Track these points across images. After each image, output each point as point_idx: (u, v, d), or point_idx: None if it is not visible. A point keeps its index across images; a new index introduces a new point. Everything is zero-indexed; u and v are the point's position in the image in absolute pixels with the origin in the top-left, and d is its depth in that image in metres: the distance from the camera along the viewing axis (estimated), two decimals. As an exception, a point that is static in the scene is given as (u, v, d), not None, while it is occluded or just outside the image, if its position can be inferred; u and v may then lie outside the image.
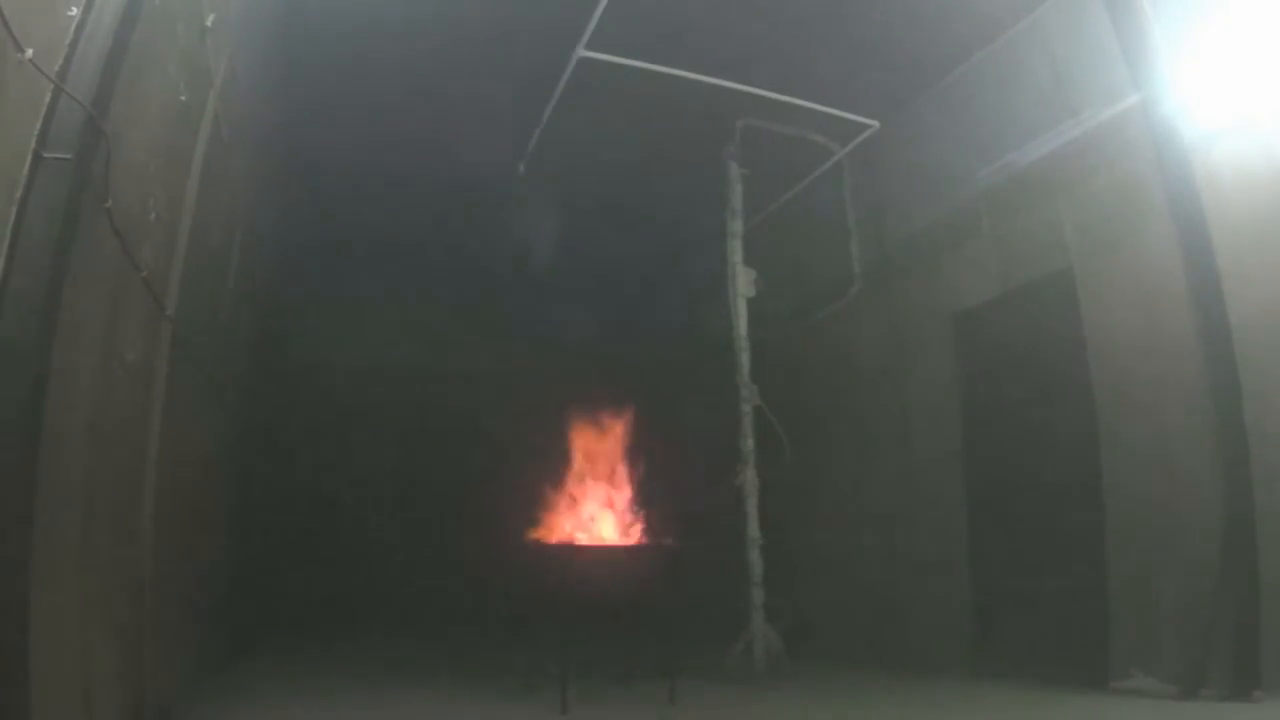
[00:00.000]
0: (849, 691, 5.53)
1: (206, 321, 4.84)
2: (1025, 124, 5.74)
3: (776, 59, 6.27)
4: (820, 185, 7.55)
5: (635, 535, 6.03)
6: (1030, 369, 5.77)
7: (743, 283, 6.81)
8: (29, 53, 2.10)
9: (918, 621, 6.39)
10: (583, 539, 6.01)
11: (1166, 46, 4.75)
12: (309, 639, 7.87)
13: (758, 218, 7.39)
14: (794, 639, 6.29)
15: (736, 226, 6.96)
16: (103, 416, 2.93)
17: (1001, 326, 6.04)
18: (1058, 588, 5.26)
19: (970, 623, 5.98)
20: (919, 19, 5.85)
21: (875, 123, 6.72)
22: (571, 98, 6.14)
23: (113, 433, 3.09)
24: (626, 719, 4.84)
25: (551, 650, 5.05)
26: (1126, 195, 5.07)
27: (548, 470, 6.60)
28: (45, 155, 2.26)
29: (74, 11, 2.40)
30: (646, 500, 6.27)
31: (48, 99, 2.28)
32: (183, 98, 3.61)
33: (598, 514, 6.22)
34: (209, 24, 3.79)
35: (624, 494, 6.30)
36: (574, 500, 6.31)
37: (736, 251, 6.90)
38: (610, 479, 6.37)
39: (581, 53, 5.60)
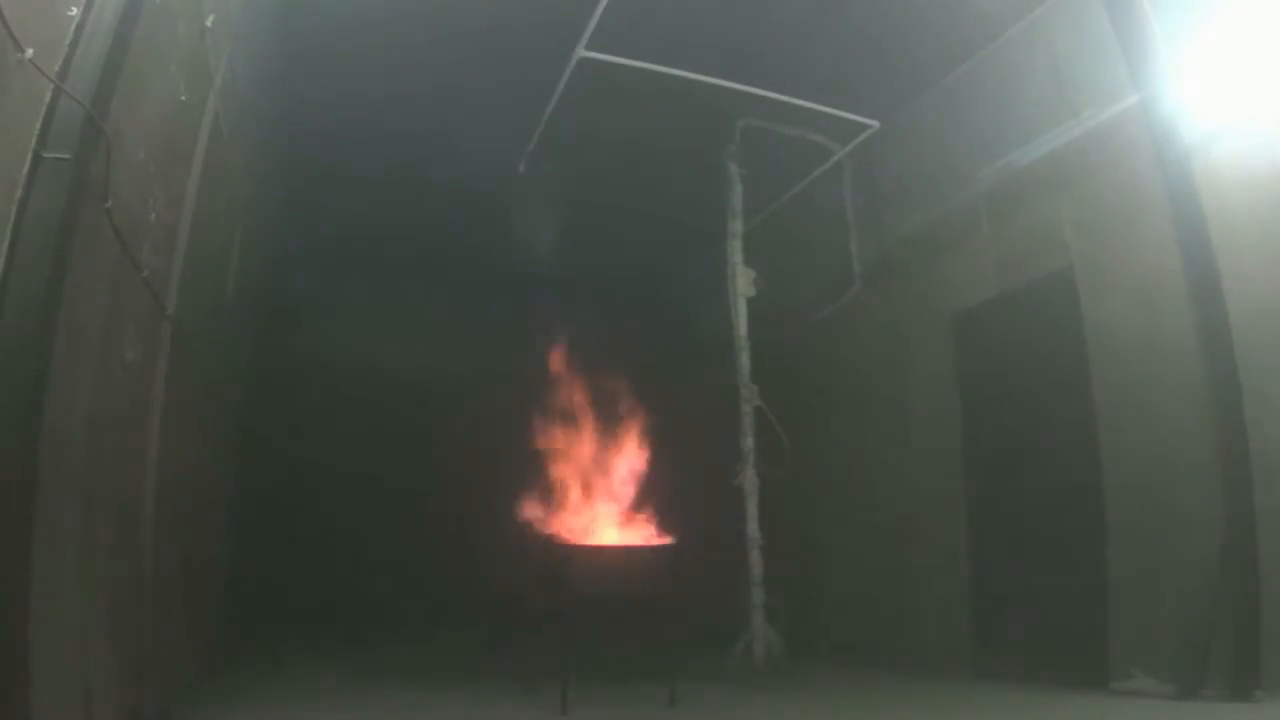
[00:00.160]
0: (849, 691, 5.53)
1: (206, 321, 4.84)
2: (1025, 124, 5.74)
3: (776, 59, 6.27)
4: (820, 185, 7.54)
5: (637, 535, 6.03)
6: (1030, 369, 5.76)
7: (743, 283, 6.82)
8: (29, 53, 2.10)
9: (918, 621, 6.38)
10: (584, 539, 6.01)
11: (1166, 46, 4.75)
12: (309, 639, 7.87)
13: (758, 218, 7.39)
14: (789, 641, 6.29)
15: (736, 226, 6.96)
16: (103, 416, 2.93)
17: (1001, 326, 6.03)
18: (1058, 588, 5.26)
19: (970, 623, 5.98)
20: (919, 19, 5.85)
21: (875, 123, 6.71)
22: (571, 98, 6.13)
23: (113, 433, 3.09)
24: (626, 719, 4.84)
25: (552, 651, 5.05)
26: (1126, 195, 5.07)
27: (548, 470, 6.61)
28: (45, 155, 2.26)
29: (74, 11, 2.40)
30: (648, 500, 6.27)
31: (48, 99, 2.28)
32: (183, 97, 3.61)
33: (598, 514, 6.22)
34: (209, 24, 3.79)
35: (624, 494, 6.30)
36: (575, 500, 6.31)
37: (736, 251, 6.90)
38: (611, 479, 6.38)
39: (581, 53, 5.59)
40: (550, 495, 6.36)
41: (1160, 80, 4.75)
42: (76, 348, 2.59)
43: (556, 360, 7.18)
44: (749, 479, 6.49)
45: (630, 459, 6.42)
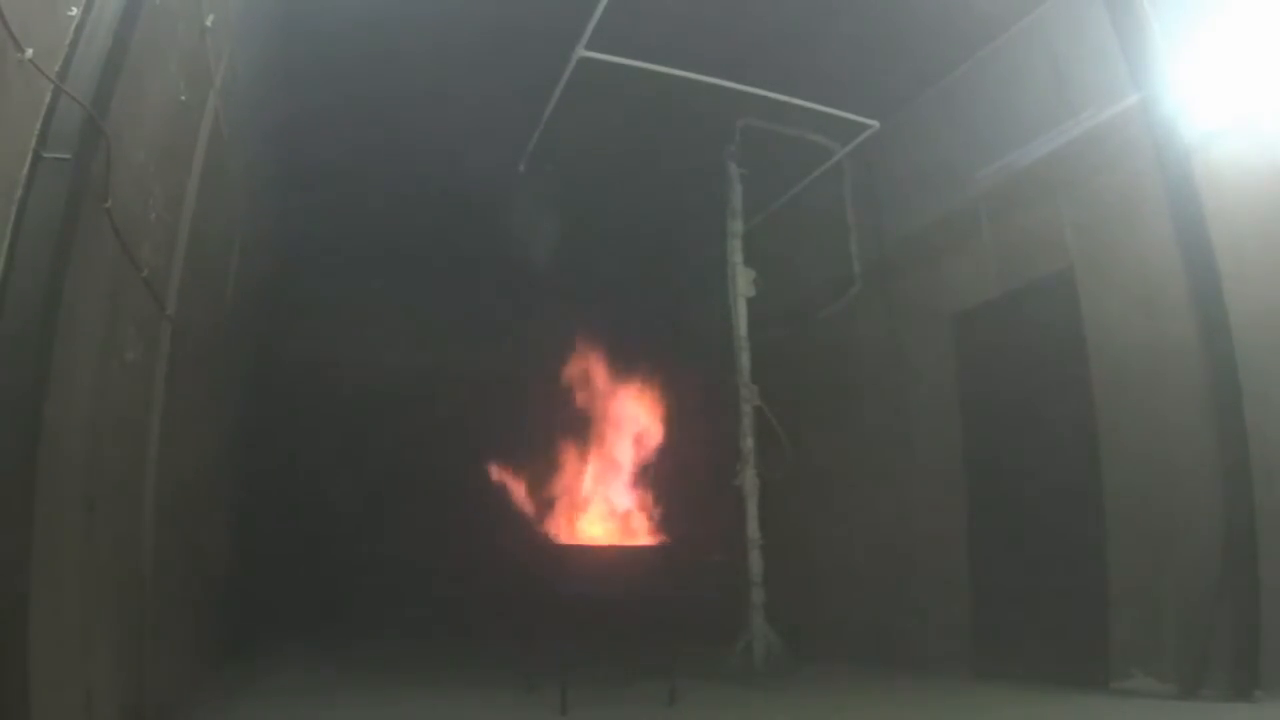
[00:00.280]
0: (849, 691, 5.53)
1: (206, 321, 4.84)
2: (1025, 124, 5.74)
3: (776, 59, 6.27)
4: (820, 185, 7.54)
5: (638, 535, 6.03)
6: (1030, 369, 5.76)
7: (743, 283, 6.81)
8: (29, 53, 2.10)
9: (918, 621, 6.38)
10: (585, 539, 6.02)
11: (1166, 46, 4.75)
12: (309, 638, 7.87)
13: (758, 218, 7.39)
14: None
15: (736, 226, 6.96)
16: (103, 416, 2.93)
17: (1001, 326, 6.03)
18: (1058, 588, 5.26)
19: (970, 623, 5.98)
20: (919, 19, 5.85)
21: (875, 123, 6.71)
22: (571, 98, 6.13)
23: (113, 432, 3.09)
24: (626, 719, 4.84)
25: (553, 650, 5.05)
26: (1126, 195, 5.07)
27: (548, 470, 6.61)
28: (45, 155, 2.26)
29: (74, 11, 2.40)
30: (648, 499, 6.27)
31: (48, 99, 2.28)
32: (183, 98, 3.61)
33: (599, 513, 6.22)
34: (209, 24, 3.79)
35: (625, 493, 6.30)
36: (576, 499, 6.31)
37: (736, 251, 6.89)
38: (611, 478, 6.38)
39: (581, 53, 5.59)
40: (550, 495, 6.36)
41: (1160, 80, 4.76)
42: (76, 348, 2.59)
43: (556, 359, 7.17)
44: (749, 479, 6.48)
45: (629, 459, 6.43)
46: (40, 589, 2.22)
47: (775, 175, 7.47)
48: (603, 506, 6.29)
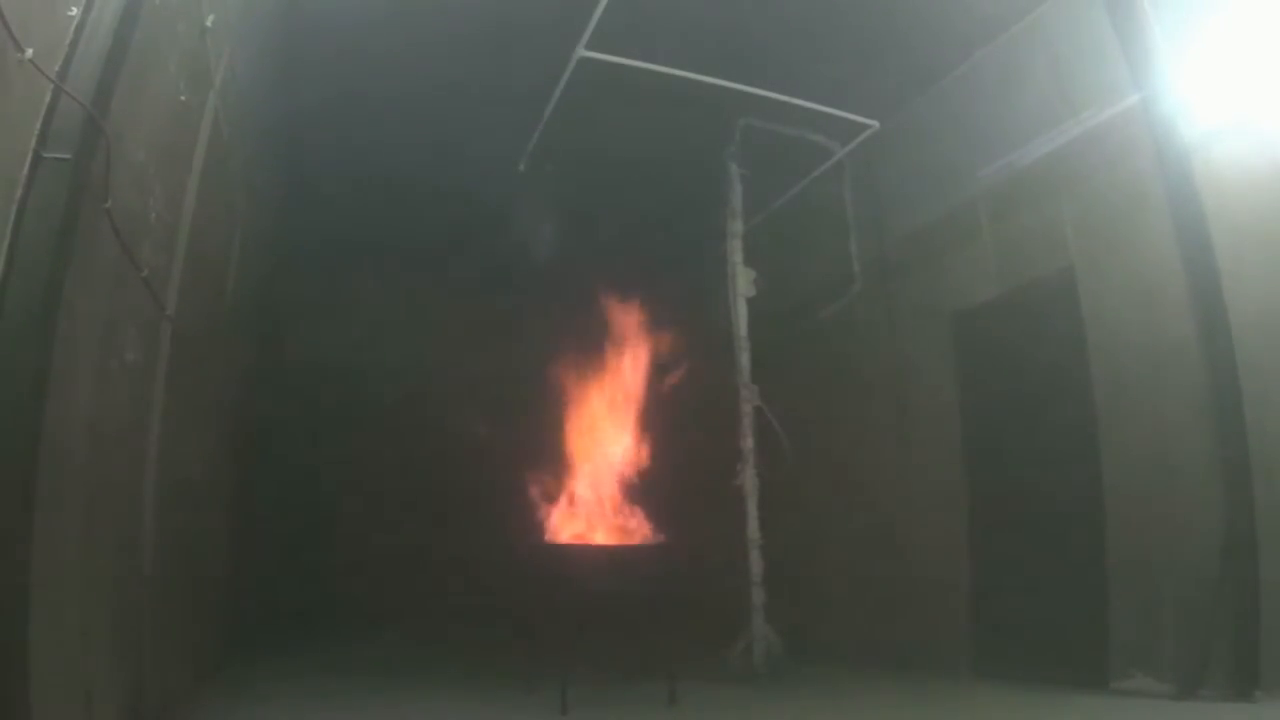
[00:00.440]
0: (849, 691, 5.52)
1: (206, 321, 4.84)
2: (1026, 123, 5.74)
3: (776, 59, 6.27)
4: (820, 185, 7.54)
5: (636, 535, 6.03)
6: (1030, 369, 5.76)
7: (743, 283, 6.81)
8: (29, 53, 2.10)
9: (918, 621, 6.38)
10: (584, 539, 6.01)
11: (1166, 46, 4.75)
12: (309, 639, 7.87)
13: (758, 218, 7.39)
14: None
15: (736, 226, 6.96)
16: (103, 416, 2.93)
17: (1001, 326, 6.03)
18: (1058, 587, 5.26)
19: (970, 622, 5.98)
20: (919, 19, 5.85)
21: (875, 123, 6.71)
22: (571, 98, 6.13)
23: (113, 433, 3.09)
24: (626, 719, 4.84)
25: (553, 650, 5.05)
26: (1127, 195, 5.07)
27: (548, 469, 6.61)
28: (45, 155, 2.26)
29: (74, 11, 2.40)
30: (647, 499, 6.27)
31: (48, 99, 2.28)
32: (183, 98, 3.61)
33: (598, 513, 6.22)
34: (209, 24, 3.79)
35: (624, 494, 6.30)
36: (575, 500, 6.31)
37: (736, 251, 6.89)
38: (610, 478, 6.38)
39: (581, 53, 5.59)
40: (550, 495, 6.36)
41: (1160, 80, 4.76)
42: (76, 348, 2.59)
43: (556, 359, 7.17)
44: (749, 479, 6.48)
45: (629, 459, 6.42)
46: (40, 589, 2.22)
47: (775, 175, 7.47)
48: (602, 507, 6.29)
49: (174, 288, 3.84)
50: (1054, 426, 5.48)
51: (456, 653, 7.41)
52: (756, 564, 6.31)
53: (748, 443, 6.57)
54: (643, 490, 6.36)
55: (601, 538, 6.06)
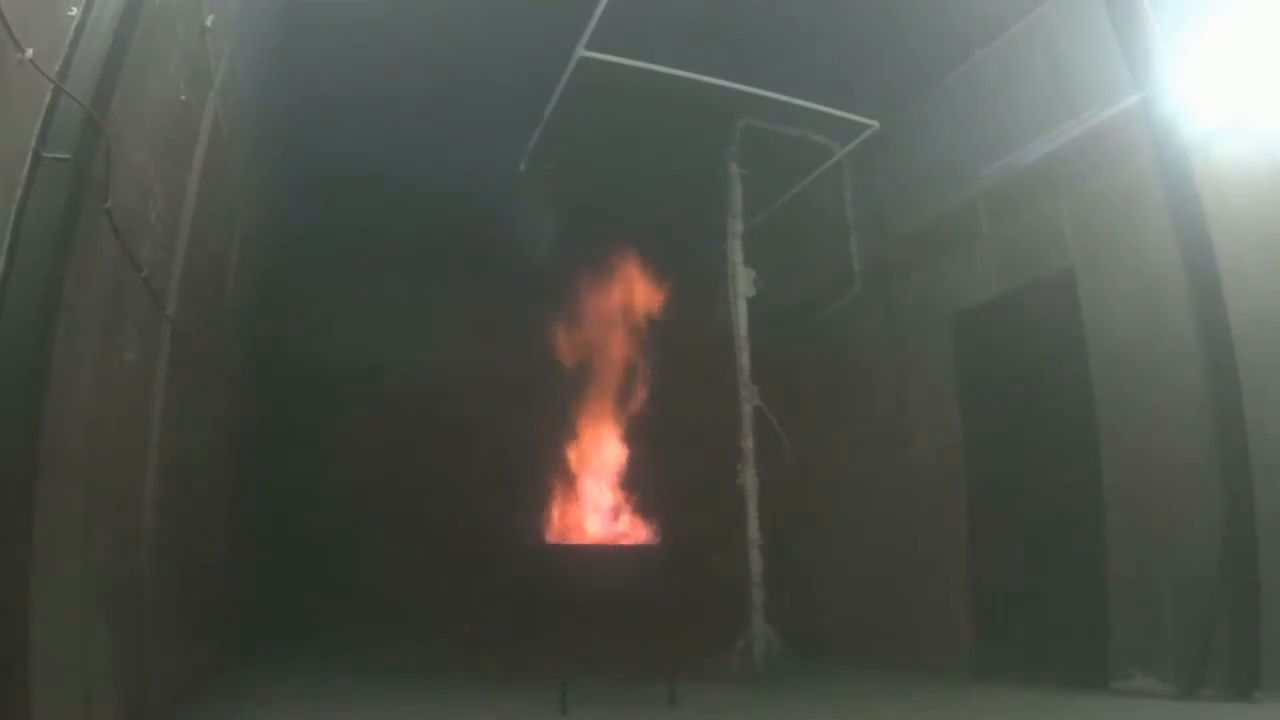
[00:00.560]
0: (849, 691, 5.52)
1: (206, 321, 4.84)
2: (1026, 123, 5.74)
3: (776, 59, 6.27)
4: (820, 185, 7.54)
5: (634, 534, 6.03)
6: (1030, 368, 5.76)
7: (743, 283, 6.81)
8: (29, 53, 2.10)
9: (918, 621, 6.38)
10: (582, 538, 6.02)
11: (1166, 46, 4.75)
12: (309, 638, 7.87)
13: (758, 218, 7.39)
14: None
15: (736, 226, 6.96)
16: (103, 416, 2.93)
17: (1001, 326, 6.03)
18: (1058, 588, 5.26)
19: (970, 623, 5.98)
20: (919, 19, 5.85)
21: (875, 123, 6.71)
22: (571, 98, 6.13)
23: (113, 433, 3.09)
24: None
25: (553, 651, 5.05)
26: (1127, 195, 5.07)
27: (547, 470, 6.61)
28: (45, 155, 2.26)
29: (74, 11, 2.40)
30: (646, 499, 6.27)
31: (48, 99, 2.28)
32: (183, 97, 3.61)
33: (597, 513, 6.22)
34: (209, 24, 3.79)
35: (623, 493, 6.30)
36: (574, 500, 6.31)
37: (736, 251, 6.89)
38: (609, 479, 6.38)
39: (581, 53, 5.59)
40: (550, 495, 6.36)
41: (1160, 80, 4.75)
42: (76, 348, 2.59)
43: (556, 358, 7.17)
44: (749, 479, 6.48)
45: (626, 458, 6.42)
46: (40, 589, 2.22)
47: (775, 175, 7.47)
48: (601, 507, 6.29)
49: (174, 288, 3.84)
50: (1054, 426, 5.47)
51: (457, 652, 7.40)
52: (756, 564, 6.31)
53: (748, 443, 6.57)
54: (643, 490, 6.36)
55: (602, 538, 6.06)
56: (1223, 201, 4.49)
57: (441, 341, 10.39)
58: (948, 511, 6.26)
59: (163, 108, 3.37)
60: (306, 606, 8.67)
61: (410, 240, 9.35)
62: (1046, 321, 5.61)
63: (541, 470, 6.65)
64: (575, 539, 6.03)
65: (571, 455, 6.57)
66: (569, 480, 6.45)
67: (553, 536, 6.04)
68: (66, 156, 2.30)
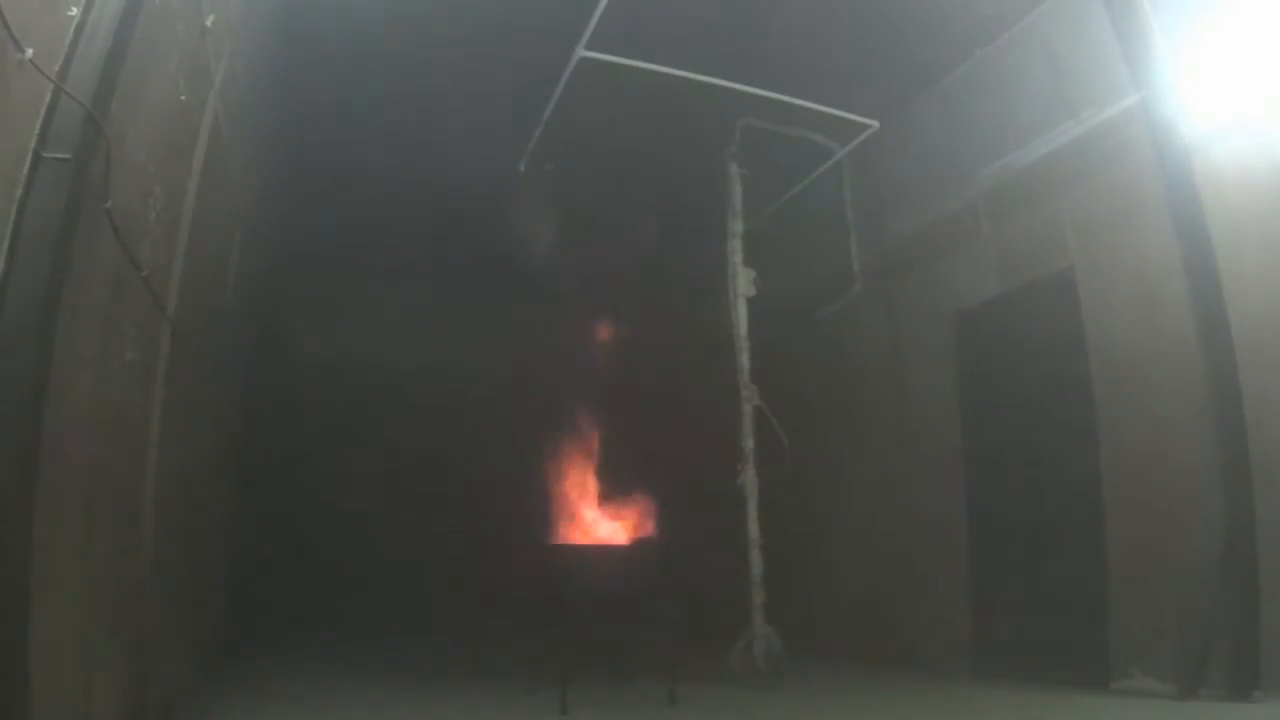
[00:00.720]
0: (849, 691, 5.52)
1: (206, 321, 4.84)
2: (1025, 124, 5.74)
3: (776, 59, 6.27)
4: (820, 185, 7.54)
5: (632, 534, 6.03)
6: (1030, 368, 5.76)
7: (743, 283, 6.80)
8: (29, 53, 2.10)
9: (918, 621, 6.38)
10: (581, 538, 6.02)
11: (1166, 46, 4.75)
12: (309, 638, 7.87)
13: (758, 218, 7.39)
14: None
15: (736, 226, 6.95)
16: (103, 416, 2.93)
17: (1001, 326, 6.03)
18: (1058, 587, 5.26)
19: (970, 622, 5.98)
20: (919, 19, 5.85)
21: (875, 123, 6.71)
22: (571, 98, 6.13)
23: (113, 433, 3.09)
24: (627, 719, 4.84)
25: (553, 650, 5.05)
26: (1127, 195, 5.07)
27: (546, 470, 6.61)
28: (45, 155, 2.26)
29: (74, 11, 2.40)
30: (644, 498, 6.28)
31: (48, 99, 2.28)
32: (183, 97, 3.61)
33: (596, 513, 6.23)
34: (209, 24, 3.79)
35: (621, 493, 6.30)
36: (573, 500, 6.31)
37: (736, 251, 6.89)
38: (607, 479, 6.38)
39: (581, 53, 5.59)
40: (549, 496, 6.37)
41: (1160, 80, 4.76)
42: (76, 348, 2.59)
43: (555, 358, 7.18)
44: (749, 479, 6.47)
45: (626, 458, 6.43)
46: (40, 590, 2.22)
47: (775, 175, 7.47)
48: (601, 507, 6.29)
49: (174, 288, 3.84)
50: (1054, 426, 5.47)
51: (456, 654, 7.40)
52: (756, 564, 6.30)
53: (748, 443, 6.56)
54: (642, 490, 6.37)
55: (602, 538, 6.07)
56: (1223, 201, 4.49)
57: (441, 341, 10.40)
58: (947, 511, 6.26)
59: (163, 108, 3.37)
60: (307, 606, 8.67)
61: (410, 240, 9.36)
62: (1046, 321, 5.61)
63: (543, 470, 6.66)
64: (576, 539, 6.03)
65: (572, 455, 6.58)
66: (570, 480, 6.45)
67: (554, 536, 6.05)
68: (66, 156, 2.30)
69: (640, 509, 6.22)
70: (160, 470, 3.74)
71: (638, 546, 5.85)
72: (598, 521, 6.23)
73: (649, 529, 6.00)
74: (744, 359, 6.71)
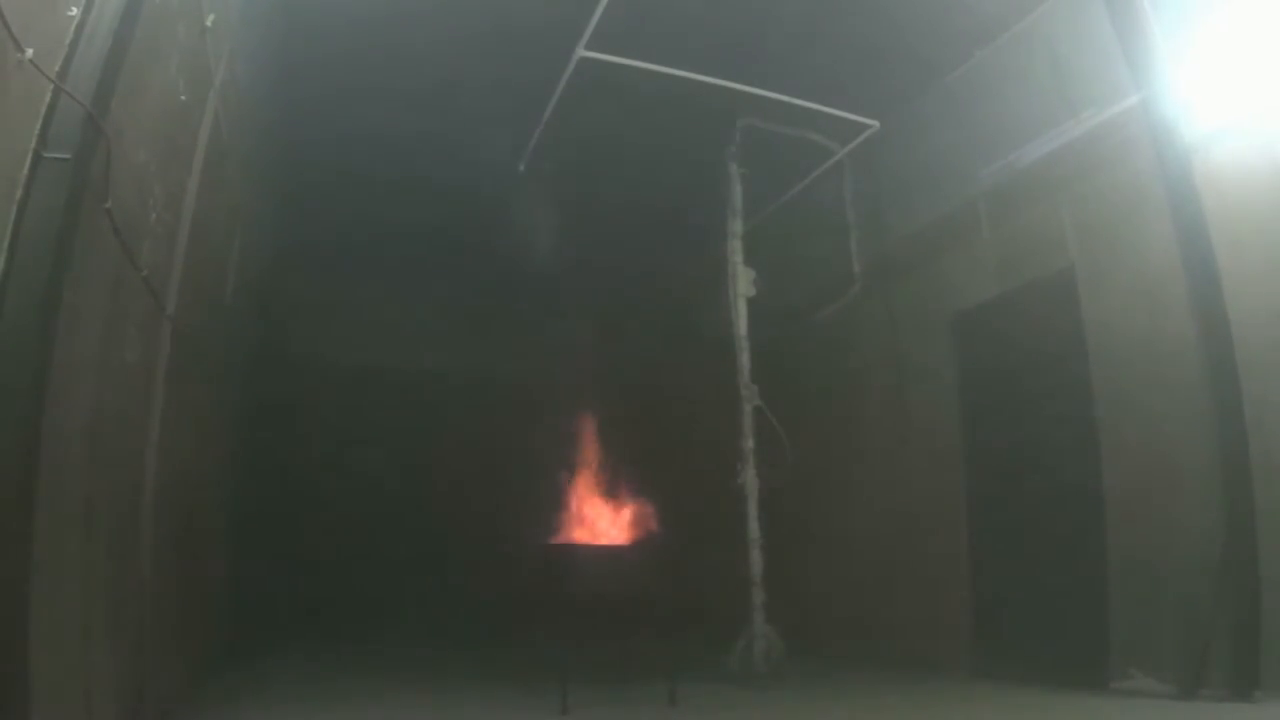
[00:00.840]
0: (849, 691, 5.52)
1: (206, 321, 4.84)
2: (1026, 123, 5.74)
3: (777, 59, 6.27)
4: (820, 185, 7.55)
5: (631, 534, 6.03)
6: (1030, 368, 5.76)
7: (743, 283, 6.81)
8: (29, 53, 2.10)
9: (918, 621, 6.38)
10: (581, 538, 6.02)
11: (1166, 46, 4.75)
12: (309, 639, 7.87)
13: (758, 218, 7.39)
14: None
15: (736, 226, 6.96)
16: (102, 416, 2.93)
17: (1001, 326, 6.03)
18: (1058, 588, 5.26)
19: (970, 622, 5.98)
20: (919, 19, 5.85)
21: (875, 123, 6.72)
22: (571, 98, 6.13)
23: (113, 432, 3.09)
24: (627, 719, 4.84)
25: (552, 650, 5.05)
26: (1127, 195, 5.07)
27: (546, 470, 6.61)
28: (45, 155, 2.26)
29: (74, 11, 2.40)
30: (644, 498, 6.27)
31: (48, 99, 2.28)
32: (183, 97, 3.61)
33: (595, 513, 6.22)
34: (209, 24, 3.79)
35: (621, 493, 6.30)
36: (572, 499, 6.31)
37: (736, 251, 6.89)
38: (607, 478, 6.38)
39: (581, 53, 5.60)
40: (548, 495, 6.36)
41: (1160, 80, 4.76)
42: (76, 348, 2.59)
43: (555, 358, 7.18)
44: (749, 479, 6.47)
45: (628, 458, 6.43)
46: (40, 589, 2.22)
47: (775, 175, 7.47)
48: (600, 507, 6.29)
49: (174, 288, 3.84)
50: (1054, 426, 5.47)
51: (457, 654, 7.40)
52: (756, 564, 6.30)
53: (748, 443, 6.56)
54: (642, 490, 6.36)
55: (602, 538, 6.06)
56: (1223, 201, 4.49)
57: (441, 341, 10.40)
58: (947, 510, 6.26)
59: (163, 108, 3.37)
60: (307, 606, 8.67)
61: (410, 240, 9.36)
62: (1046, 321, 5.61)
63: (543, 470, 6.66)
64: (576, 539, 6.03)
65: (573, 455, 6.58)
66: (571, 480, 6.45)
67: (555, 536, 6.05)
68: (66, 156, 2.30)
69: (640, 508, 6.21)
70: (160, 470, 3.74)
71: (637, 546, 5.84)
72: (598, 521, 6.22)
73: (649, 529, 5.99)
74: (744, 359, 6.72)
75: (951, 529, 6.21)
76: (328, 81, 6.30)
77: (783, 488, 6.55)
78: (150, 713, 3.62)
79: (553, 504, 6.32)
